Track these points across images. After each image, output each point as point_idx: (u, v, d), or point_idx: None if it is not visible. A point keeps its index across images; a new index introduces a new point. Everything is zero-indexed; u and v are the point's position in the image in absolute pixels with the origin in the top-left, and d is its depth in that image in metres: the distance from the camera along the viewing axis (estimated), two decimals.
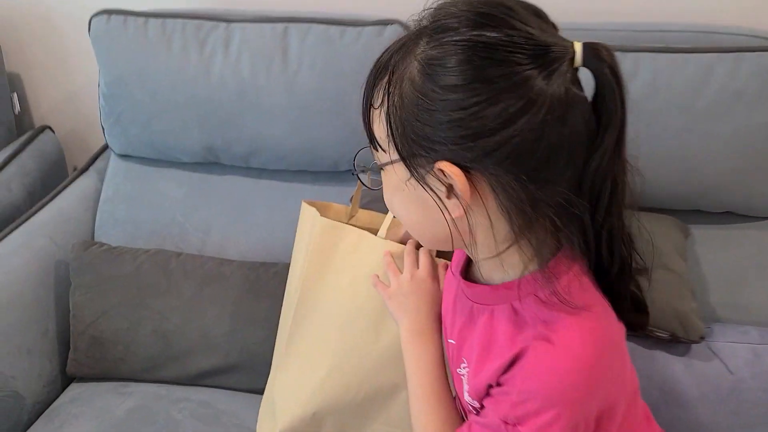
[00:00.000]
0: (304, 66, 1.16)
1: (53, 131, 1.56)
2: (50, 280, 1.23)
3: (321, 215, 0.95)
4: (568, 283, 0.61)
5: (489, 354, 0.65)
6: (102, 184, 1.38)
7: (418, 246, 0.89)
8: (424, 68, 0.56)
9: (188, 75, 1.20)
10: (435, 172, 0.59)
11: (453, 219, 0.60)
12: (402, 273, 0.86)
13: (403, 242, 0.91)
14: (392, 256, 0.90)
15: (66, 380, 1.22)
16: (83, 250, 1.21)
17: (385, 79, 0.59)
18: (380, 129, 0.61)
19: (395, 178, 0.63)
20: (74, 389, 1.19)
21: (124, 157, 1.35)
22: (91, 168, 1.43)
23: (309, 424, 0.96)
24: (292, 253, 1.03)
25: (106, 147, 1.45)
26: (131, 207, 1.32)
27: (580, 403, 0.60)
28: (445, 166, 0.57)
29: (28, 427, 1.13)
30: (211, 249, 1.27)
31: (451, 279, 0.80)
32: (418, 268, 0.86)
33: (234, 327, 1.15)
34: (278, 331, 1.04)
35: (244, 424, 1.09)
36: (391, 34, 1.14)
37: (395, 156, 0.60)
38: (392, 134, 0.59)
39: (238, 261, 1.20)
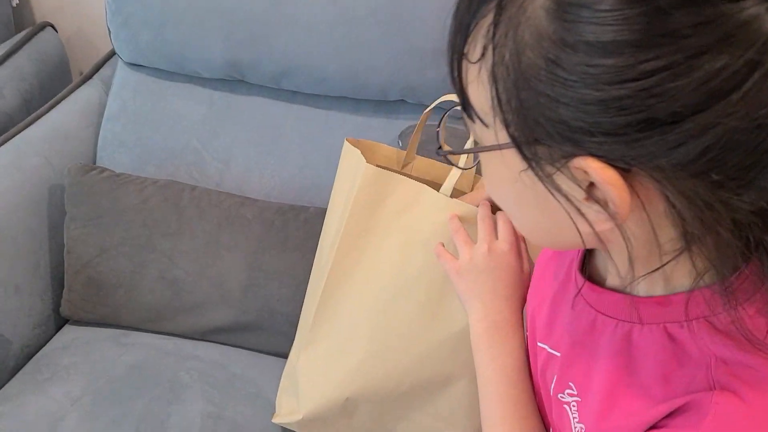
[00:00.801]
0: None
1: (56, 30, 1.37)
2: (44, 208, 1.06)
3: (367, 160, 0.76)
4: (757, 312, 0.41)
5: (627, 392, 0.46)
6: (107, 97, 1.19)
7: (495, 209, 0.70)
8: (558, 10, 0.35)
9: None
10: (570, 170, 0.38)
11: (594, 231, 0.41)
12: (475, 243, 0.68)
13: (476, 203, 0.72)
14: (461, 221, 0.71)
15: (60, 321, 1.08)
16: (82, 175, 1.03)
17: (489, 18, 0.37)
18: (479, 95, 0.40)
19: (502, 167, 0.42)
20: (68, 333, 1.05)
21: (134, 66, 1.15)
22: (95, 76, 1.24)
23: (340, 411, 0.81)
24: (329, 200, 0.85)
25: (112, 54, 1.26)
26: (140, 127, 1.14)
27: None
28: (590, 164, 0.36)
29: (15, 373, 1.00)
30: (230, 184, 1.09)
31: (549, 261, 0.61)
32: (496, 238, 0.67)
33: (254, 280, 0.98)
34: (307, 295, 0.87)
35: (261, 393, 0.94)
36: None
37: (504, 139, 0.39)
38: (500, 107, 0.38)
39: (263, 201, 1.02)
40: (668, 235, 0.40)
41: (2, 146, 1.08)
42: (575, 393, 0.52)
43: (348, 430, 0.84)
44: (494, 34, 0.37)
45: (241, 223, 1.00)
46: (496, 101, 0.38)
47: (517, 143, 0.38)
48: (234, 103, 1.12)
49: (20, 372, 1.00)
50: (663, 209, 0.38)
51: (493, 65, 0.37)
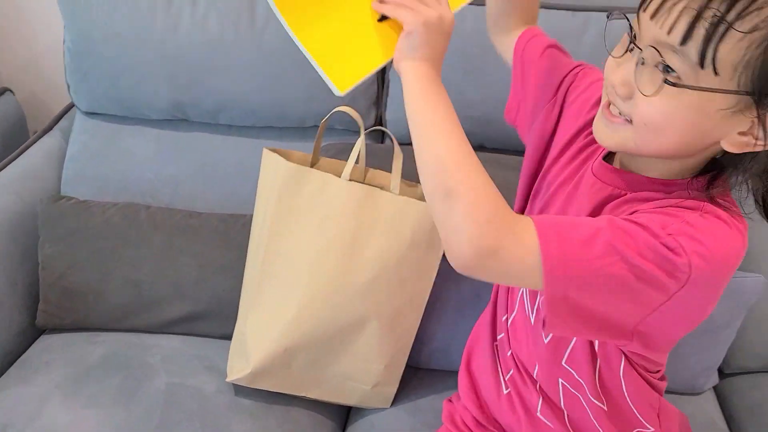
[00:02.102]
0: (271, 23, 1.19)
1: (13, 93, 1.55)
2: (18, 235, 1.23)
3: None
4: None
5: None
6: (66, 144, 1.39)
7: None
8: None
9: (155, 32, 1.22)
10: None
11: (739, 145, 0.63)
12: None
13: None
14: (363, 199, 0.95)
15: (36, 332, 1.24)
16: (52, 203, 1.22)
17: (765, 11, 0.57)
18: (732, 54, 0.58)
19: (701, 102, 0.61)
20: (45, 340, 1.21)
21: (91, 114, 1.36)
22: (55, 128, 1.43)
23: (281, 360, 1.02)
24: (256, 197, 1.07)
25: (69, 108, 1.45)
26: (99, 163, 1.33)
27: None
28: None
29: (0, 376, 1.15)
30: (180, 204, 1.29)
31: None
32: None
33: (203, 276, 1.18)
34: (245, 276, 1.08)
35: (215, 366, 1.13)
36: None
37: (735, 87, 0.59)
38: (753, 70, 0.58)
39: (207, 213, 1.23)
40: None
41: None
42: None
43: (289, 379, 1.04)
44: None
45: (191, 231, 1.20)
46: (755, 67, 0.58)
47: (756, 98, 0.59)
48: (179, 139, 1.33)
49: (4, 375, 1.15)
50: None
51: (763, 39, 0.57)
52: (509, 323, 0.90)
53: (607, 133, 0.69)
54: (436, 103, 0.68)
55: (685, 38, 0.59)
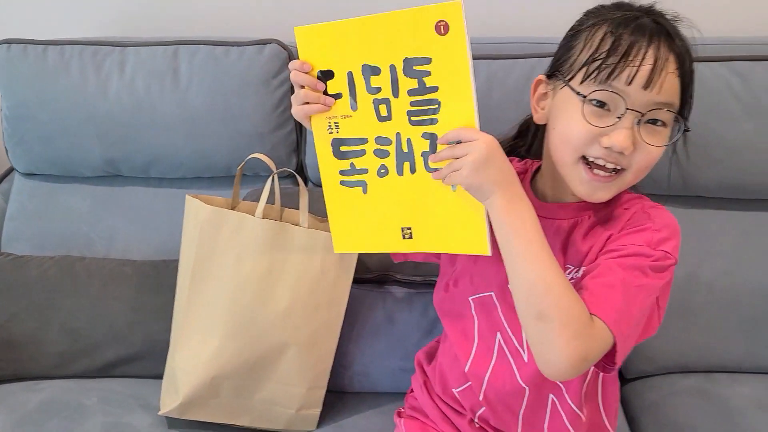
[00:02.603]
0: (193, 83, 1.31)
1: None
2: None
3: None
4: None
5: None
6: (6, 205, 1.46)
7: None
8: None
9: (87, 96, 1.32)
10: None
11: None
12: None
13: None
14: (277, 231, 1.05)
15: None
16: None
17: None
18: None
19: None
20: None
21: (29, 175, 1.44)
22: None
23: (209, 389, 1.09)
24: (181, 240, 1.16)
25: (9, 171, 1.53)
26: (37, 222, 1.41)
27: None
28: None
29: None
30: (115, 255, 1.37)
31: None
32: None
33: (137, 319, 1.25)
34: (174, 315, 1.16)
35: (149, 404, 1.19)
36: (270, 52, 1.31)
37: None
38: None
39: (140, 261, 1.31)
40: None
41: None
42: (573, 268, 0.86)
43: (218, 408, 1.11)
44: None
45: (124, 277, 1.28)
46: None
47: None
48: (113, 193, 1.41)
49: None
50: None
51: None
52: (489, 373, 0.94)
53: (600, 194, 0.83)
54: (522, 230, 0.76)
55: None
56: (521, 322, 0.78)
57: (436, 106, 0.79)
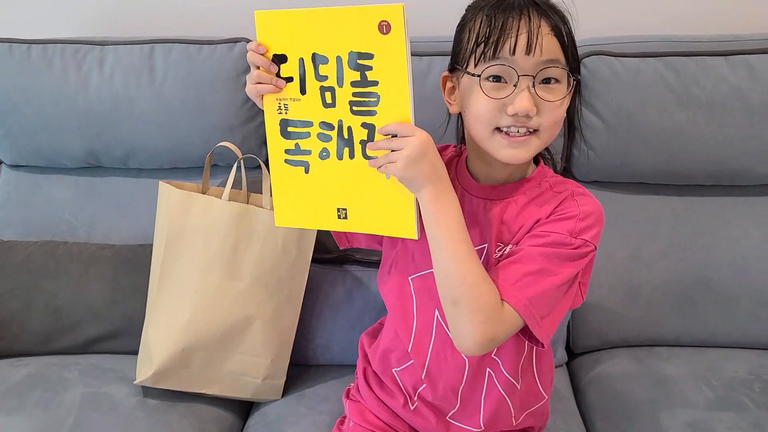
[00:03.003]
0: (168, 79, 1.40)
1: None
2: None
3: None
4: None
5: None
6: None
7: None
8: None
9: (69, 91, 1.41)
10: None
11: None
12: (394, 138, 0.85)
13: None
14: (238, 216, 1.14)
15: None
16: None
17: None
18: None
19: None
20: None
21: (15, 167, 1.53)
22: None
23: (180, 360, 1.18)
24: (155, 224, 1.25)
25: None
26: (22, 211, 1.50)
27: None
28: None
29: None
30: (96, 240, 1.45)
31: None
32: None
33: (115, 298, 1.34)
34: (148, 294, 1.25)
35: (126, 376, 1.27)
36: (240, 50, 1.40)
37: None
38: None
39: (119, 245, 1.40)
40: None
41: None
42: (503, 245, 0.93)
43: (189, 378, 1.20)
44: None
45: (103, 260, 1.37)
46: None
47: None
48: (94, 183, 1.50)
49: None
50: None
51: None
52: (430, 349, 1.00)
53: (521, 152, 0.88)
54: (446, 223, 0.84)
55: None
56: (441, 303, 0.87)
57: (376, 99, 0.85)
